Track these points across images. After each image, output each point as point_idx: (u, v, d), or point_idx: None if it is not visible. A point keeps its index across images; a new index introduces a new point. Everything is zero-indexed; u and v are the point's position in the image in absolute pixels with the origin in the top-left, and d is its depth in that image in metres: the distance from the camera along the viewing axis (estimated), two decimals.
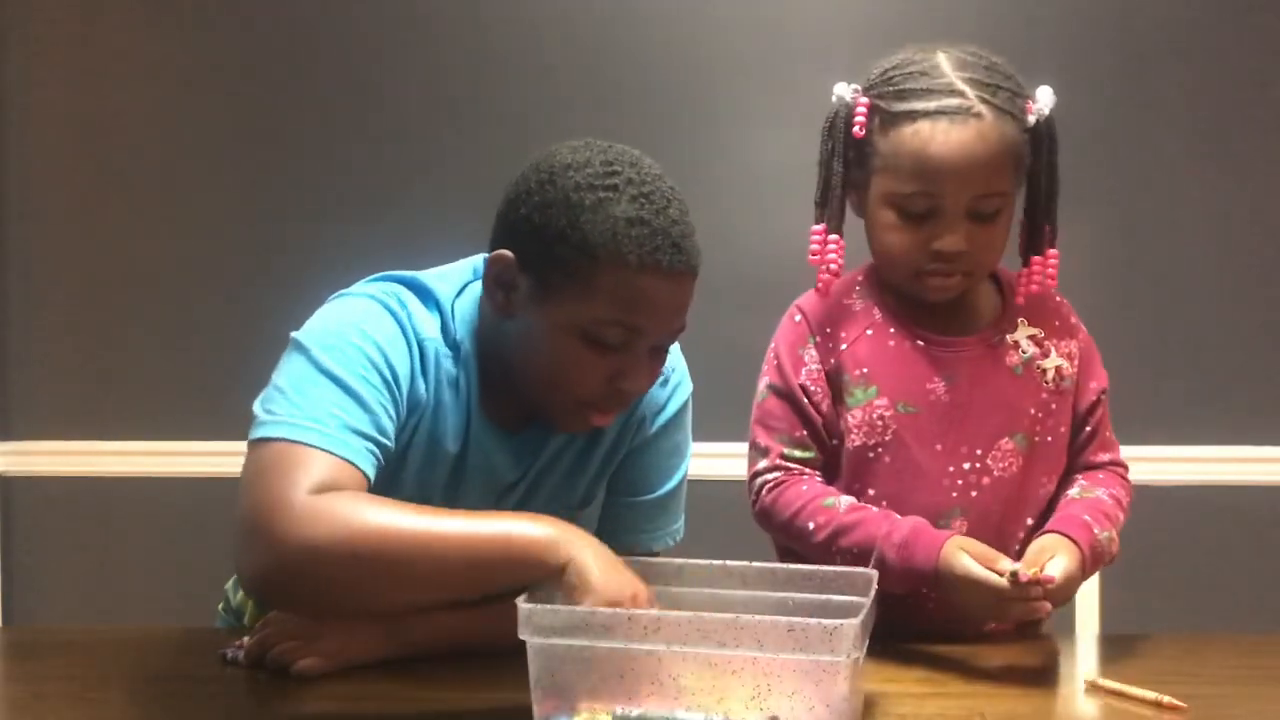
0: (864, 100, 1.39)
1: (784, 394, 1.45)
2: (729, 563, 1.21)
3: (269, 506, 1.07)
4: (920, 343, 1.43)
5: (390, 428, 1.19)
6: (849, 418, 1.43)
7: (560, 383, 1.22)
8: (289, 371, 1.18)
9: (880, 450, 1.42)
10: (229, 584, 1.53)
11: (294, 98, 2.57)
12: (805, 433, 1.44)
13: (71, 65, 2.60)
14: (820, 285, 1.44)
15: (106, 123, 2.60)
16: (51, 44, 2.60)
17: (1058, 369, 1.45)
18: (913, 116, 1.34)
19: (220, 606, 1.54)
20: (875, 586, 1.13)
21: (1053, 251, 1.43)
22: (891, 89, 1.37)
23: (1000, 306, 1.48)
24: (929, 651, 1.33)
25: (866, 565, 1.30)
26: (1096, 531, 1.37)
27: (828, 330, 1.46)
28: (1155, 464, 2.36)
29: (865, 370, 1.43)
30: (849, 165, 1.41)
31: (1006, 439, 1.42)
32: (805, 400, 1.44)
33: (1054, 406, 1.45)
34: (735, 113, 2.50)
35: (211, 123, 2.58)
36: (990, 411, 1.42)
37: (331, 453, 1.12)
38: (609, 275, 1.17)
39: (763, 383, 1.48)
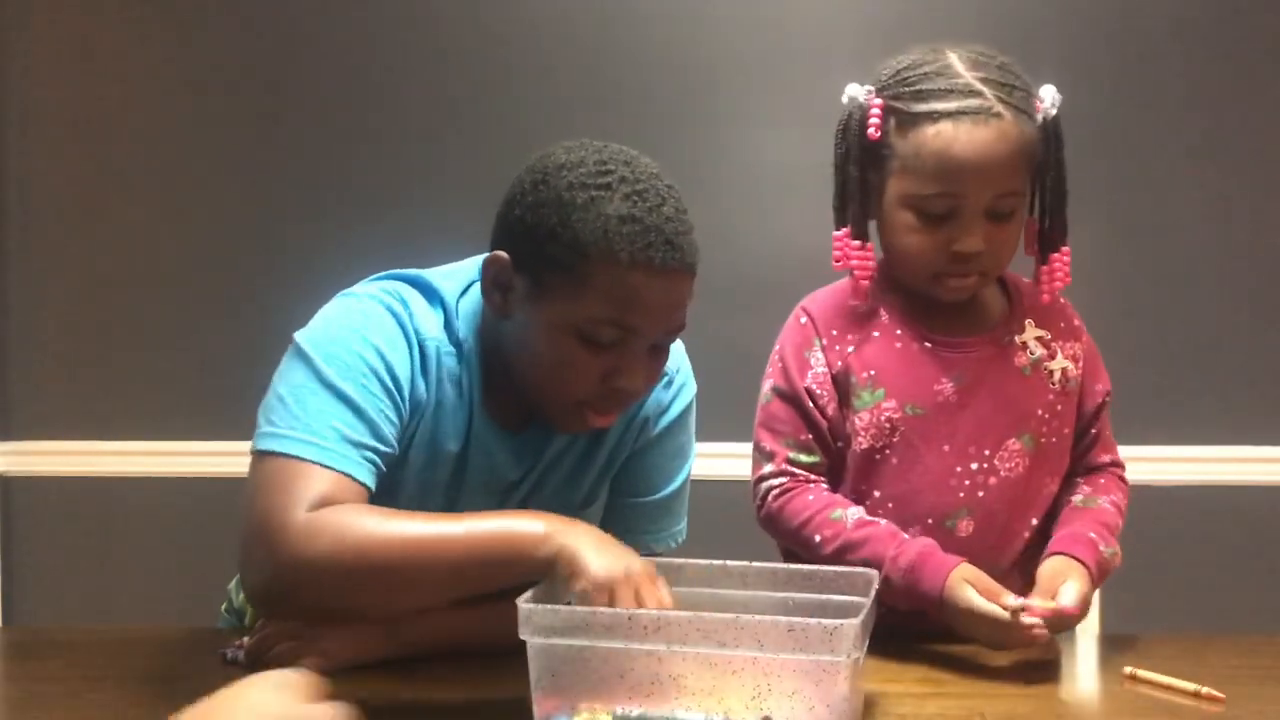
0: (878, 101, 1.38)
1: (789, 397, 1.45)
2: (729, 563, 1.21)
3: (269, 524, 1.10)
4: (928, 344, 1.43)
5: (391, 433, 1.20)
6: (855, 420, 1.42)
7: (556, 382, 1.22)
8: (290, 379, 1.19)
9: (887, 452, 1.41)
10: (231, 584, 1.53)
11: (295, 98, 2.57)
12: (810, 436, 1.44)
13: (71, 65, 2.60)
14: (858, 290, 1.42)
15: (106, 123, 2.60)
16: (51, 44, 2.60)
17: (1064, 370, 1.45)
18: (934, 117, 1.33)
19: (223, 607, 1.54)
20: (875, 586, 1.13)
21: (1065, 249, 1.42)
22: (908, 89, 1.36)
23: (1007, 307, 1.47)
24: (929, 651, 1.33)
25: None
26: (1102, 549, 1.38)
27: (834, 332, 1.45)
28: (1155, 464, 2.36)
29: (873, 372, 1.42)
30: (864, 167, 1.40)
31: (1014, 439, 1.42)
32: (811, 404, 1.43)
33: (1060, 408, 1.45)
34: (735, 113, 2.50)
35: (212, 122, 2.58)
36: (998, 412, 1.42)
37: (330, 467, 1.14)
38: (601, 273, 1.16)
39: (767, 385, 1.48)
